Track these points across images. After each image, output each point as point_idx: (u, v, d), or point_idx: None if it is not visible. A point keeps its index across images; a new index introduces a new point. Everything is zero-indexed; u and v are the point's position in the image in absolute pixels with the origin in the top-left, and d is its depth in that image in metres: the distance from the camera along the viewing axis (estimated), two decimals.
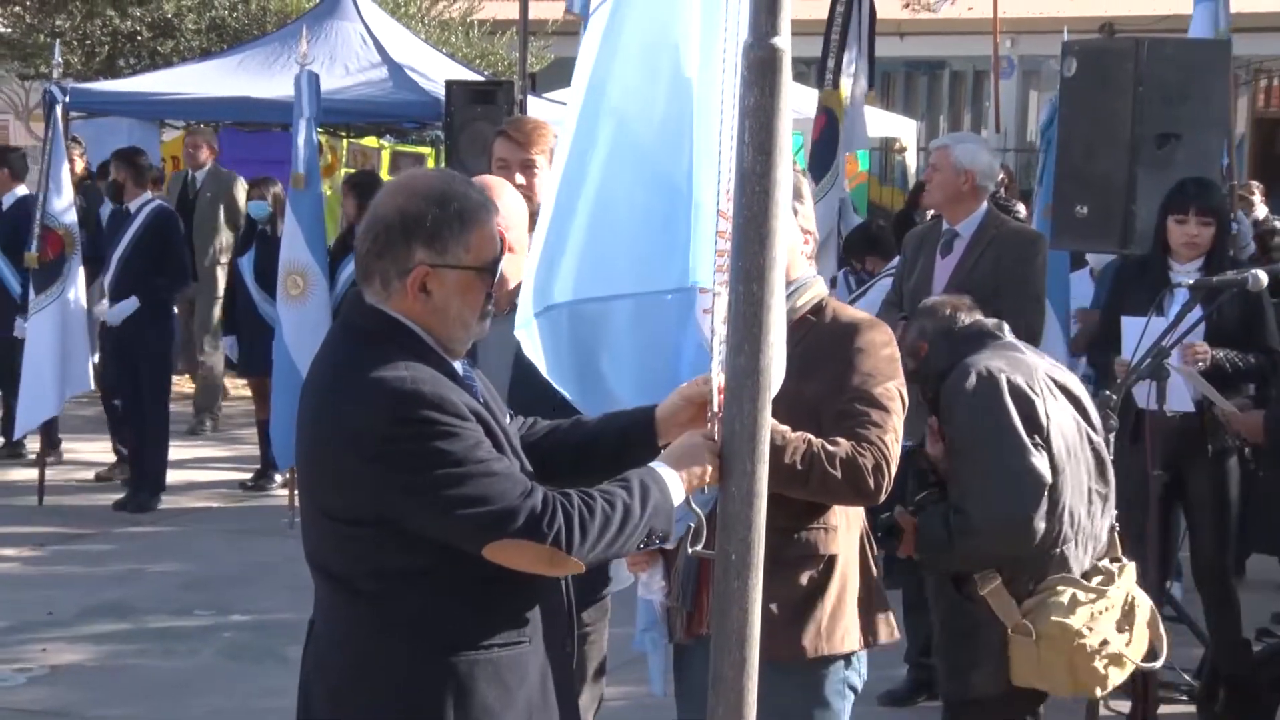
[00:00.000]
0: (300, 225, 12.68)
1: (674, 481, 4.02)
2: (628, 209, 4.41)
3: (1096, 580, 6.26)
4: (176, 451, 14.02)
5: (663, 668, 5.43)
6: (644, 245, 4.38)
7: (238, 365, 14.87)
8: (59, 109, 14.25)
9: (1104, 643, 6.13)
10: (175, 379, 14.76)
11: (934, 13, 27.66)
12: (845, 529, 5.26)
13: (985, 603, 6.15)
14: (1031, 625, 6.07)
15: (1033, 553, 6.10)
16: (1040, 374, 6.28)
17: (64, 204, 13.85)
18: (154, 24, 22.90)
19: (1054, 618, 6.04)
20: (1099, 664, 6.16)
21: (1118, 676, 6.34)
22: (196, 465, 14.52)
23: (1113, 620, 6.24)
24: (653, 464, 4.08)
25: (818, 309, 5.30)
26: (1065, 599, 6.09)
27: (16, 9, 22.92)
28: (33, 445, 14.87)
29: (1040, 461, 5.96)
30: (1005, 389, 6.02)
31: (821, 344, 5.18)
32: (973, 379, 6.09)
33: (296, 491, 4.17)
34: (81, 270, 13.92)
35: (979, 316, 6.62)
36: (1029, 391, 6.09)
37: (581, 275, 4.38)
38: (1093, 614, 6.11)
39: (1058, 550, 6.17)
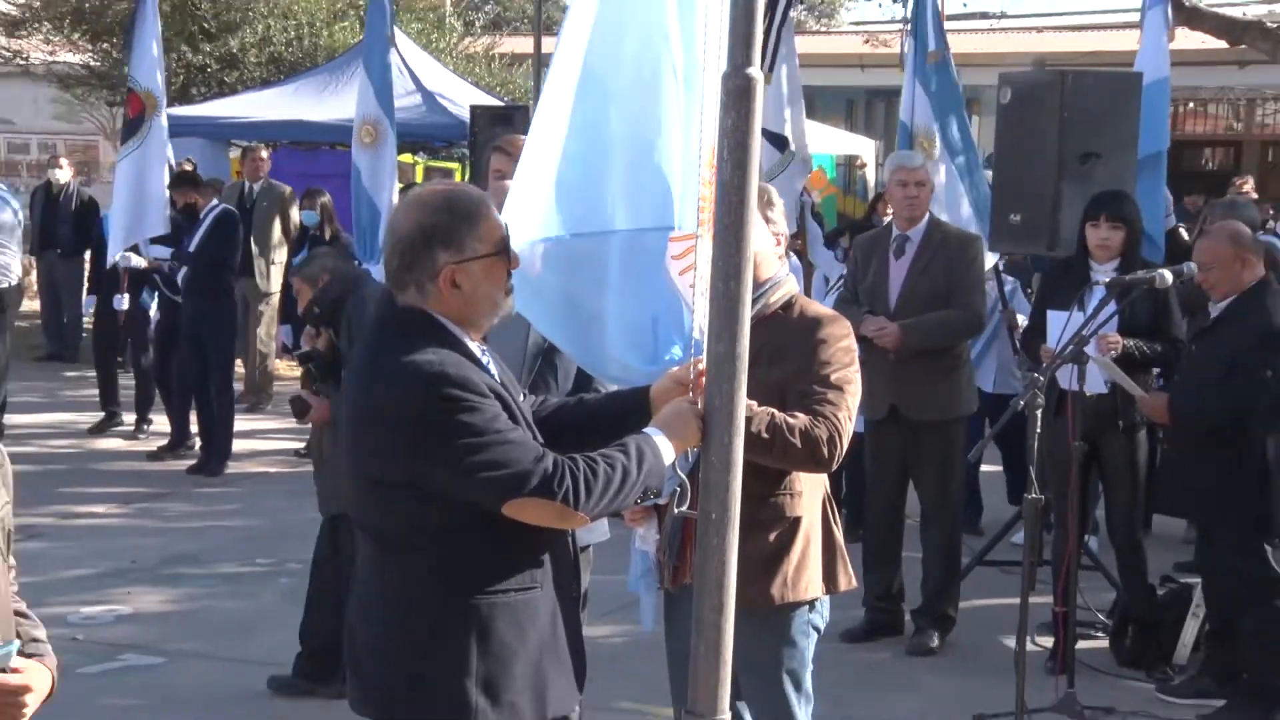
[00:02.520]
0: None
1: (665, 445, 4.09)
2: (605, 151, 4.39)
3: None
4: (239, 425, 14.06)
5: (654, 608, 5.45)
6: (622, 186, 4.36)
7: (291, 349, 14.87)
8: None
9: None
10: None
11: (890, 48, 27.65)
12: (809, 494, 5.34)
13: None
14: None
15: None
16: None
17: (146, 71, 14.47)
18: (221, 58, 22.86)
19: None
20: None
21: None
22: (257, 436, 14.56)
23: None
24: (646, 429, 4.15)
25: (788, 305, 5.35)
26: None
27: (105, 45, 22.89)
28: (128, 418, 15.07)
29: None
30: None
31: (790, 335, 5.24)
32: None
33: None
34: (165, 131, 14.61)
35: None
36: None
37: (565, 212, 4.39)
38: None
39: None
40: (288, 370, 16.55)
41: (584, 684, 4.38)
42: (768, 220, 5.28)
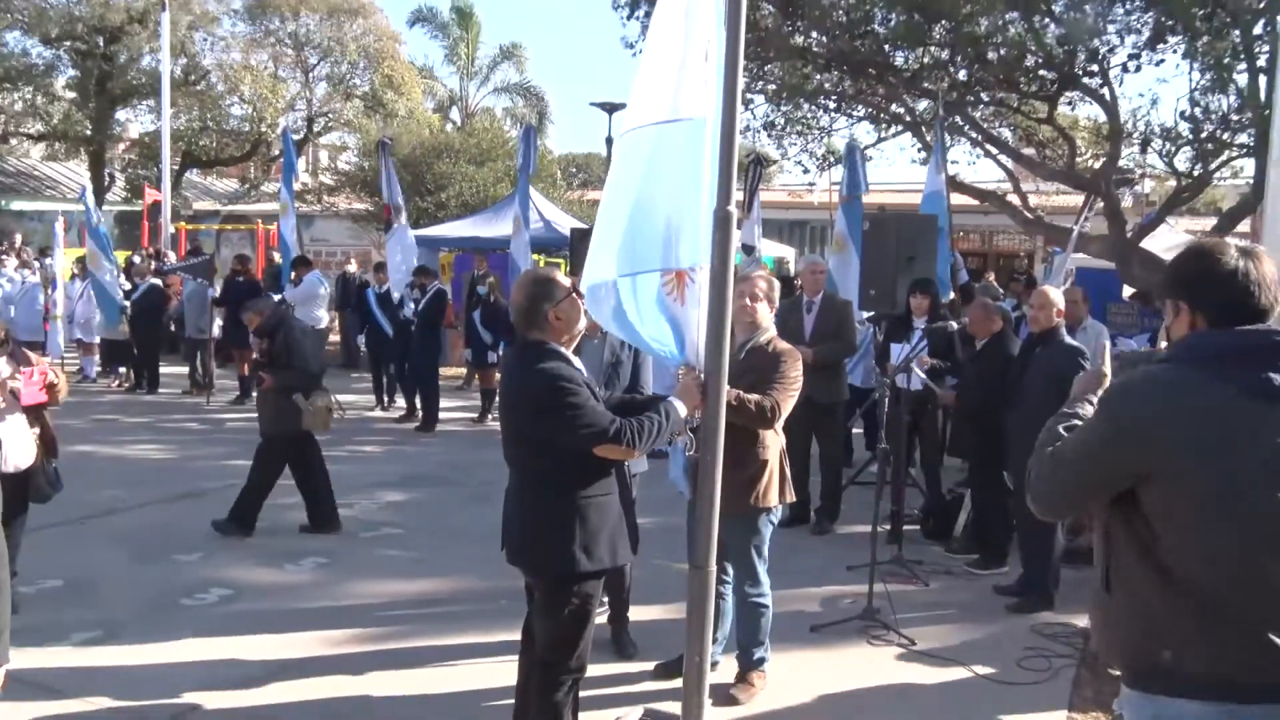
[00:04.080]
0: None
1: (680, 407, 4.25)
2: (641, 217, 4.11)
3: None
4: (442, 403, 13.95)
5: (687, 487, 5.47)
6: (643, 238, 4.10)
7: (473, 362, 14.91)
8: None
9: None
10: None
11: (803, 196, 27.69)
12: (773, 449, 5.46)
13: None
14: None
15: None
16: None
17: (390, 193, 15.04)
18: (437, 204, 22.98)
19: None
20: None
21: None
22: (451, 410, 14.42)
23: None
24: (669, 398, 4.31)
25: (769, 342, 5.52)
26: None
27: (376, 198, 22.95)
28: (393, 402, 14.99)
29: None
30: None
31: (768, 358, 5.42)
32: None
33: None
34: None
35: None
36: None
37: (617, 258, 4.14)
38: None
39: None
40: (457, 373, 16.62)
41: (637, 548, 4.46)
42: (770, 300, 5.56)
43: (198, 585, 7.25)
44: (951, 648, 6.36)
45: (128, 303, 15.78)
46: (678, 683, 4.99)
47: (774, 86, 17.02)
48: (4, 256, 16.63)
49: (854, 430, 11.14)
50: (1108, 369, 3.23)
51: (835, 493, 9.03)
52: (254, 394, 8.45)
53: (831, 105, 17.51)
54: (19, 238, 19.36)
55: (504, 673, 5.34)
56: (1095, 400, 2.97)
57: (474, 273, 15.05)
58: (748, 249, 12.79)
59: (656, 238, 4.04)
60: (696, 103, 3.93)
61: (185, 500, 9.40)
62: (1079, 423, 2.96)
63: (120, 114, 31.53)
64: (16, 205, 28.57)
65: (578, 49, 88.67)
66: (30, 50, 29.23)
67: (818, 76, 16.02)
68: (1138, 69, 13.94)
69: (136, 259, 18.39)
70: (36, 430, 6.36)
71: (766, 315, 5.59)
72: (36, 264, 18.09)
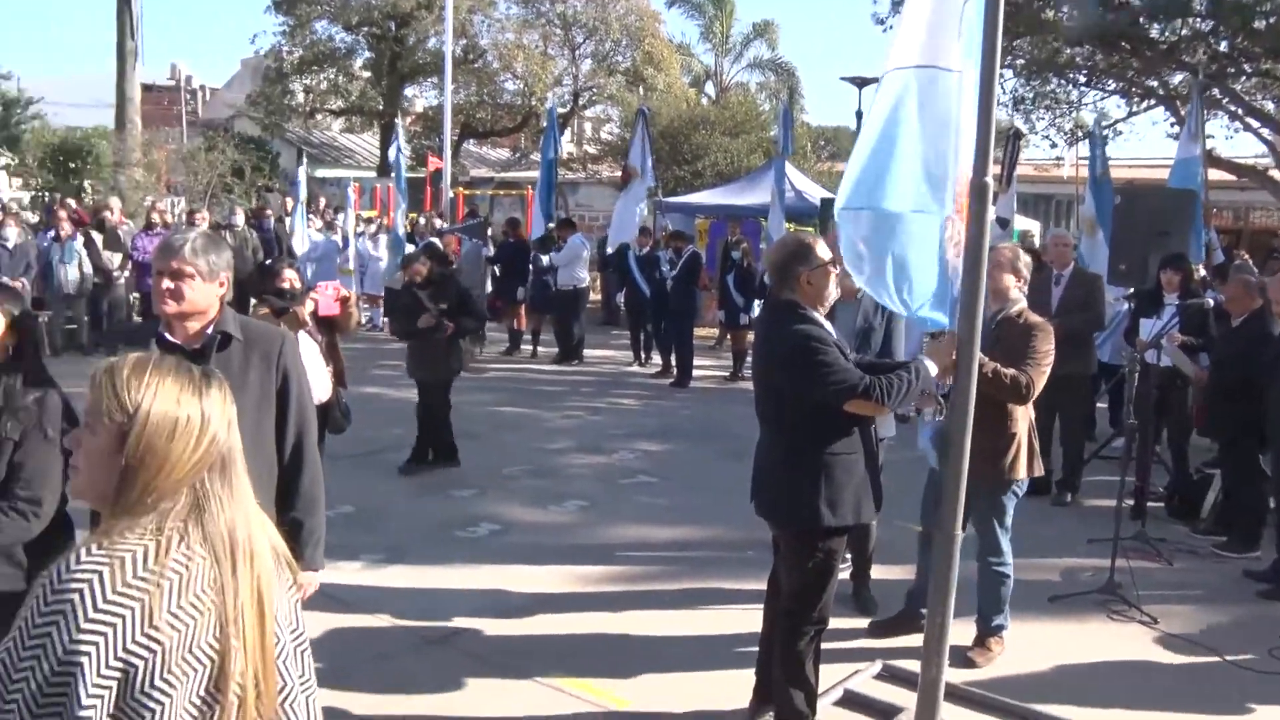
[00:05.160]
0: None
1: (930, 367, 4.13)
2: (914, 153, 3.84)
3: None
4: (696, 360, 13.96)
5: (934, 457, 5.37)
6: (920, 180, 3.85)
7: (725, 322, 14.92)
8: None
9: None
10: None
11: (1049, 171, 26.33)
12: (1021, 422, 5.28)
13: None
14: None
15: None
16: None
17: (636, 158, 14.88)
18: (693, 172, 23.06)
19: None
20: None
21: None
22: (705, 368, 14.42)
23: None
24: (920, 356, 4.20)
25: (1020, 314, 5.34)
26: None
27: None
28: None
29: None
30: None
31: (1017, 330, 5.21)
32: None
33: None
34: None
35: None
36: None
37: (885, 190, 3.85)
38: None
39: None
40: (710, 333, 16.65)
41: (881, 507, 4.35)
42: (1018, 272, 5.34)
43: (470, 519, 7.57)
44: (1196, 630, 5.96)
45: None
46: (915, 640, 4.92)
47: (1022, 60, 16.30)
48: (310, 218, 17.65)
49: (1098, 405, 10.61)
50: None
51: (1077, 465, 8.61)
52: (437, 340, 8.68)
53: (1081, 79, 16.64)
54: (322, 201, 20.49)
55: (749, 619, 5.36)
56: None
57: (728, 238, 15.07)
58: (1003, 222, 12.24)
59: (920, 178, 3.85)
60: (951, 55, 3.78)
61: (460, 441, 9.78)
62: None
63: (408, 90, 33.00)
64: (320, 173, 30.29)
65: (828, 25, 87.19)
66: (334, 36, 31.00)
67: (1067, 50, 15.23)
68: None
69: (421, 220, 19.28)
70: (330, 367, 6.70)
71: (1015, 287, 5.39)
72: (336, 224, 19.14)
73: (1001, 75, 16.11)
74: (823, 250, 4.23)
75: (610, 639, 5.57)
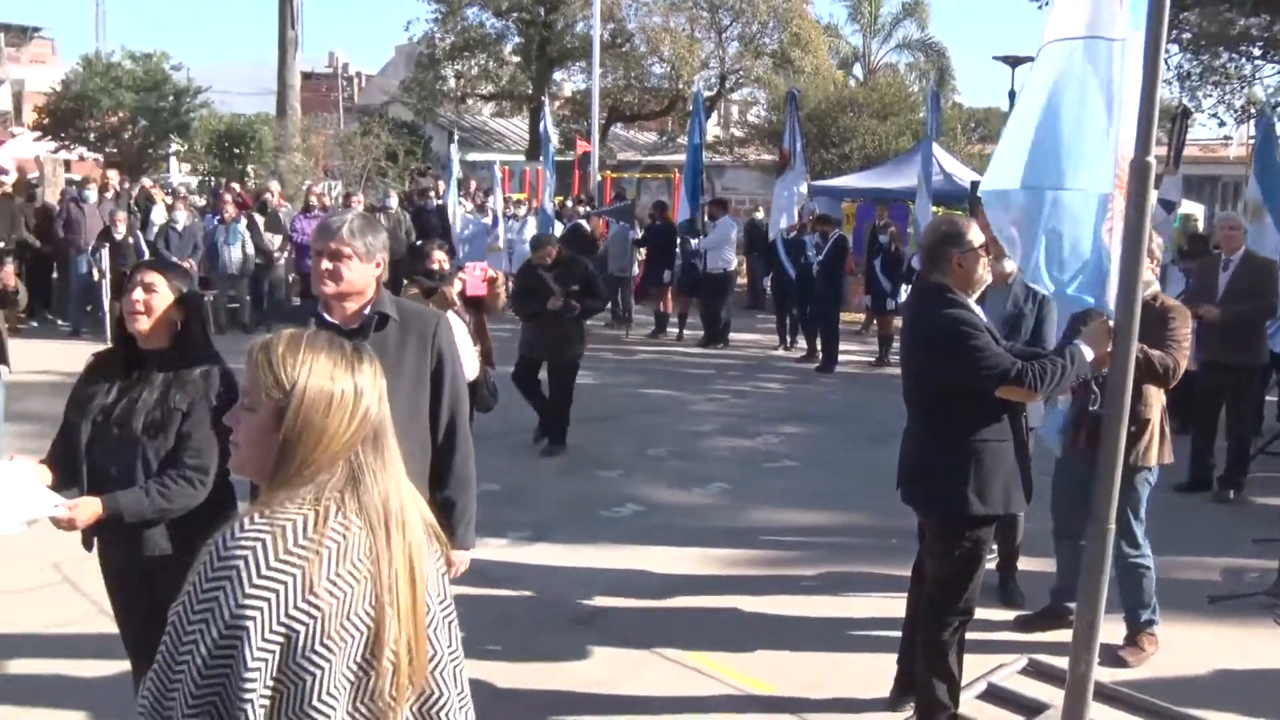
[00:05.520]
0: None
1: (1087, 353, 4.02)
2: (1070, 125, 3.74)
3: None
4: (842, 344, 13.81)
5: (1060, 448, 5.28)
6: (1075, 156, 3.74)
7: (872, 307, 14.72)
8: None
9: None
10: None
11: (1215, 151, 25.16)
12: (1155, 408, 5.12)
13: None
14: None
15: None
16: None
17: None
18: (840, 155, 22.82)
19: None
20: None
21: None
22: (849, 353, 14.23)
23: None
24: (1076, 341, 4.07)
25: (1155, 297, 5.13)
26: None
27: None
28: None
29: None
30: None
31: (1153, 314, 4.95)
32: None
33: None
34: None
35: None
36: None
37: (1035, 169, 3.77)
38: None
39: None
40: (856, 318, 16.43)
41: (1030, 498, 4.25)
42: (1150, 254, 5.07)
43: (615, 499, 7.65)
44: None
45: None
46: (1062, 636, 4.80)
47: (1190, 35, 15.59)
48: (462, 200, 18.04)
49: (1268, 398, 10.11)
50: None
51: (1242, 460, 8.21)
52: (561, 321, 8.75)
53: (1256, 52, 15.83)
54: (473, 184, 20.90)
55: (891, 607, 5.30)
56: None
57: (875, 222, 14.88)
58: (1168, 206, 11.69)
59: (1078, 154, 3.73)
60: (1116, 23, 3.64)
61: (605, 422, 9.90)
62: None
63: (556, 75, 33.37)
64: (470, 156, 30.87)
65: (981, 4, 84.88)
66: (485, 22, 31.57)
67: (1241, 21, 14.49)
68: None
69: (569, 203, 19.51)
70: (478, 347, 6.82)
71: (1148, 268, 5.19)
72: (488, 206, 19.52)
73: (1165, 50, 15.53)
74: (975, 233, 4.13)
75: (750, 622, 5.56)
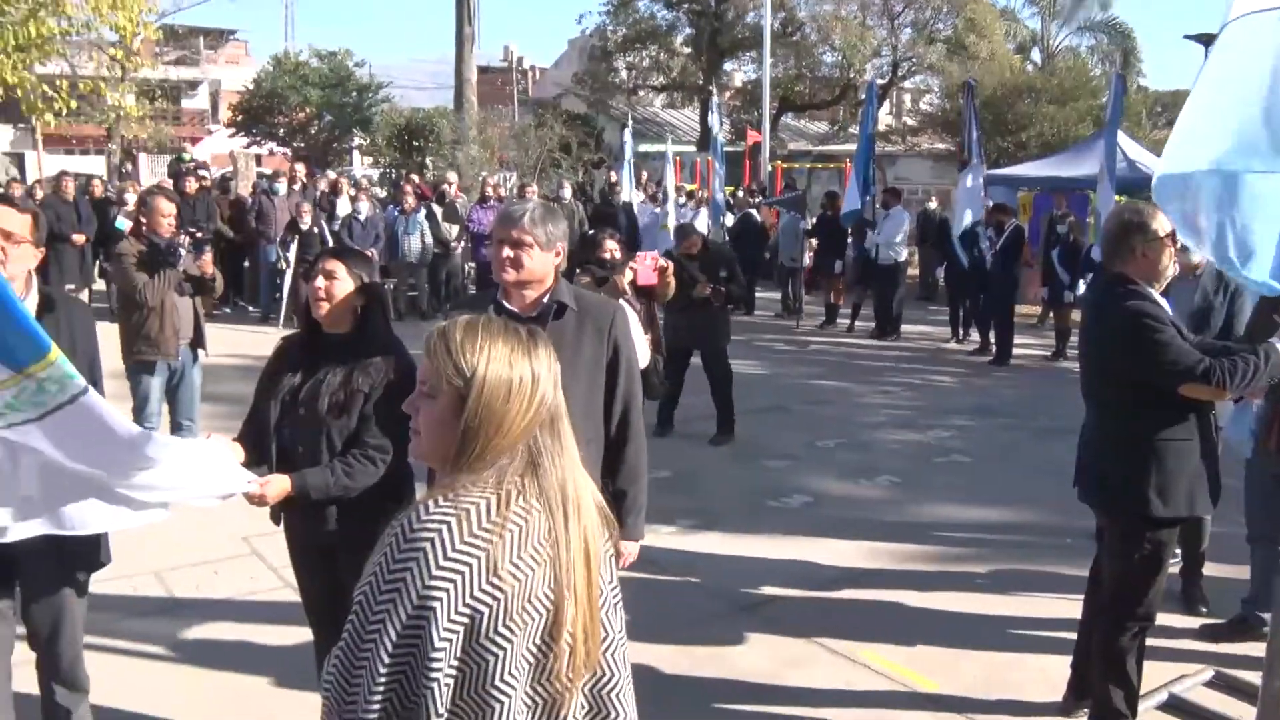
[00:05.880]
0: None
1: None
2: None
3: None
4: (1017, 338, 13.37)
5: (1250, 449, 5.05)
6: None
7: (1049, 300, 14.27)
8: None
9: None
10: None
11: None
12: None
13: None
14: None
15: None
16: None
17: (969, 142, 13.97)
18: (1016, 144, 22.16)
19: None
20: None
21: None
22: (1027, 346, 13.77)
23: None
24: (1272, 339, 3.86)
25: None
26: None
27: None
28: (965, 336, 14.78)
29: None
30: None
31: None
32: None
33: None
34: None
35: None
36: None
37: (1228, 148, 3.38)
38: None
39: None
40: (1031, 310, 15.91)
41: (1218, 501, 4.06)
42: None
43: (783, 490, 7.63)
44: None
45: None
46: (1252, 649, 4.58)
47: None
48: (635, 190, 18.32)
49: None
50: None
51: None
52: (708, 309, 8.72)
53: None
54: (644, 174, 21.10)
55: (1066, 608, 5.16)
56: None
57: (1053, 212, 14.39)
58: None
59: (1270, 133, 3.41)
60: None
61: (774, 413, 9.86)
62: None
63: (727, 65, 33.36)
64: (642, 147, 31.15)
65: None
66: (656, 14, 31.84)
67: None
68: None
69: (740, 193, 19.50)
70: (649, 335, 6.85)
71: None
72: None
73: None
74: (1161, 222, 3.94)
75: (918, 618, 5.48)
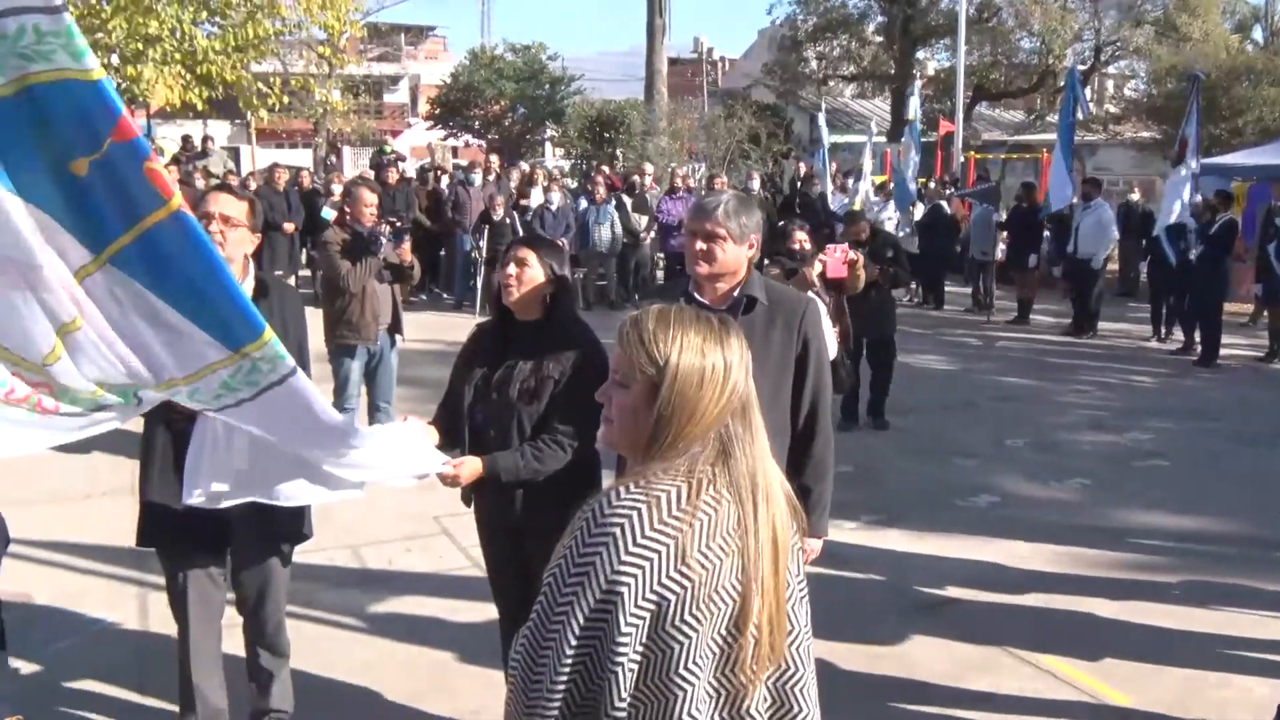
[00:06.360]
0: None
1: None
2: None
3: None
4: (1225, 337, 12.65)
5: None
6: None
7: (1263, 298, 13.49)
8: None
9: None
10: None
11: None
12: None
13: None
14: None
15: None
16: None
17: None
18: (1231, 130, 20.99)
19: None
20: None
21: None
22: (1237, 347, 13.00)
23: None
24: None
25: None
26: None
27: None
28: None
29: None
30: None
31: None
32: None
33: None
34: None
35: None
36: None
37: None
38: None
39: None
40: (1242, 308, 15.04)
41: None
42: None
43: (970, 489, 7.47)
44: None
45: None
46: None
47: None
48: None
49: None
50: None
51: None
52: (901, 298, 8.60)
53: None
54: (833, 165, 20.88)
55: (1271, 626, 4.90)
56: None
57: (1271, 203, 13.60)
58: None
59: None
60: None
61: (962, 409, 9.65)
62: None
63: (919, 53, 32.63)
64: (832, 138, 30.83)
65: None
66: (847, 3, 31.46)
67: None
68: None
69: (931, 184, 19.11)
70: (837, 328, 6.77)
71: None
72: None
73: None
74: None
75: (1108, 628, 5.28)
